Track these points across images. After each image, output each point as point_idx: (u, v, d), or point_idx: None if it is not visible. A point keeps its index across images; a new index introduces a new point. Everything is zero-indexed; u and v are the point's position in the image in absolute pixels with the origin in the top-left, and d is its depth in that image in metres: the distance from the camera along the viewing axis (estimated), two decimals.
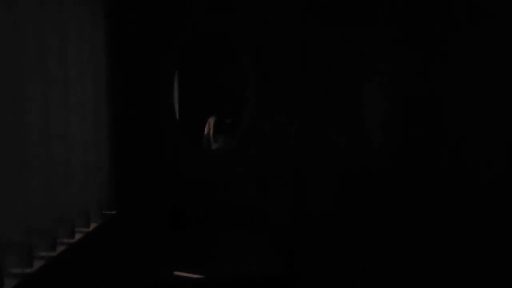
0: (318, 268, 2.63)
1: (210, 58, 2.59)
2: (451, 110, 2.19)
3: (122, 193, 2.23)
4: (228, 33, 2.56)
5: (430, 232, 2.32)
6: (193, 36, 2.54)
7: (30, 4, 1.30)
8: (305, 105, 2.64)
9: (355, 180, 2.61)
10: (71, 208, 1.63)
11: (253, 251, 2.23)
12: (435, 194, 2.30)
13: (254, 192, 2.60)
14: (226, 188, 2.57)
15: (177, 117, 2.53)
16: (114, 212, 2.09)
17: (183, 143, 2.53)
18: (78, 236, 1.67)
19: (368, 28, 2.56)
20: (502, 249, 1.77)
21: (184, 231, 2.49)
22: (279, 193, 2.63)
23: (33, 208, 1.35)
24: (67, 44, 1.60)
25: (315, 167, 2.65)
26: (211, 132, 2.61)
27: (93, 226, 1.84)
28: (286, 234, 2.62)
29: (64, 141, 1.57)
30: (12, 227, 1.24)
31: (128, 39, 2.37)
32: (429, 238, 2.32)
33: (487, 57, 1.89)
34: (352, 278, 2.57)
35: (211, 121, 2.61)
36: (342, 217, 2.63)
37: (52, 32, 1.47)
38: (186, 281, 1.90)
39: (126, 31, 2.36)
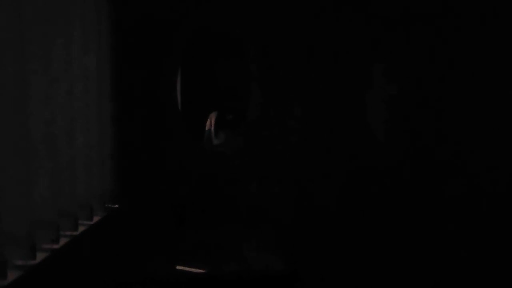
0: (320, 266, 2.63)
1: (214, 53, 2.58)
2: (454, 110, 2.18)
3: (125, 187, 2.23)
4: (233, 28, 2.55)
5: (433, 231, 2.31)
6: (197, 31, 2.53)
7: (34, 1, 1.29)
8: (309, 101, 2.63)
9: (358, 177, 2.60)
10: (75, 201, 1.63)
11: (255, 248, 2.23)
12: (439, 194, 2.29)
13: (256, 188, 2.60)
14: (229, 184, 2.57)
15: (180, 112, 2.52)
16: (117, 205, 2.09)
17: (186, 138, 2.53)
18: (81, 228, 1.67)
19: (372, 25, 2.54)
20: (505, 250, 1.76)
21: (186, 226, 2.49)
22: (282, 190, 2.62)
23: (37, 201, 1.34)
24: (71, 36, 1.60)
25: (319, 164, 2.64)
26: (213, 127, 2.60)
27: (96, 219, 1.83)
28: (289, 231, 2.62)
29: (68, 134, 1.56)
30: (16, 219, 1.23)
31: (132, 32, 2.36)
32: (432, 237, 2.31)
33: (489, 56, 1.89)
34: (354, 276, 2.57)
35: (212, 116, 2.61)
36: (345, 215, 2.62)
37: (55, 27, 1.46)
38: (188, 276, 1.90)
39: (131, 24, 2.35)
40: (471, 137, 2.04)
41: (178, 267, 1.96)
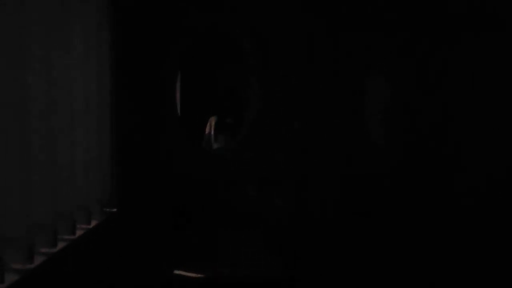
0: (317, 270, 2.62)
1: (213, 58, 2.58)
2: (453, 114, 2.18)
3: (123, 190, 2.22)
4: (231, 32, 2.55)
5: (429, 234, 2.31)
6: (197, 36, 2.53)
7: (35, 7, 1.30)
8: (308, 106, 2.63)
9: (355, 181, 2.60)
10: (73, 204, 1.63)
11: (253, 252, 2.22)
12: (435, 197, 2.29)
13: (254, 193, 2.59)
14: (227, 188, 2.56)
15: (179, 116, 2.52)
16: (115, 209, 2.09)
17: (184, 142, 2.53)
18: (79, 232, 1.67)
19: (370, 31, 2.55)
20: (503, 250, 1.76)
21: (184, 230, 2.48)
22: (280, 194, 2.61)
23: (35, 204, 1.34)
24: (72, 42, 1.61)
25: (316, 169, 2.64)
26: (212, 132, 2.61)
27: (94, 223, 1.83)
28: (286, 236, 2.61)
29: (67, 137, 1.56)
30: (14, 222, 1.23)
31: (132, 37, 2.37)
32: (428, 239, 2.31)
33: (487, 61, 1.89)
34: (351, 281, 2.56)
35: (212, 121, 2.61)
36: (342, 219, 2.62)
37: (56, 32, 1.46)
38: (186, 280, 1.89)
39: (130, 28, 2.36)
40: (471, 140, 2.04)
41: (176, 272, 1.95)
